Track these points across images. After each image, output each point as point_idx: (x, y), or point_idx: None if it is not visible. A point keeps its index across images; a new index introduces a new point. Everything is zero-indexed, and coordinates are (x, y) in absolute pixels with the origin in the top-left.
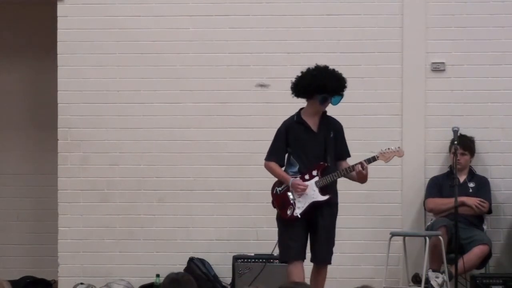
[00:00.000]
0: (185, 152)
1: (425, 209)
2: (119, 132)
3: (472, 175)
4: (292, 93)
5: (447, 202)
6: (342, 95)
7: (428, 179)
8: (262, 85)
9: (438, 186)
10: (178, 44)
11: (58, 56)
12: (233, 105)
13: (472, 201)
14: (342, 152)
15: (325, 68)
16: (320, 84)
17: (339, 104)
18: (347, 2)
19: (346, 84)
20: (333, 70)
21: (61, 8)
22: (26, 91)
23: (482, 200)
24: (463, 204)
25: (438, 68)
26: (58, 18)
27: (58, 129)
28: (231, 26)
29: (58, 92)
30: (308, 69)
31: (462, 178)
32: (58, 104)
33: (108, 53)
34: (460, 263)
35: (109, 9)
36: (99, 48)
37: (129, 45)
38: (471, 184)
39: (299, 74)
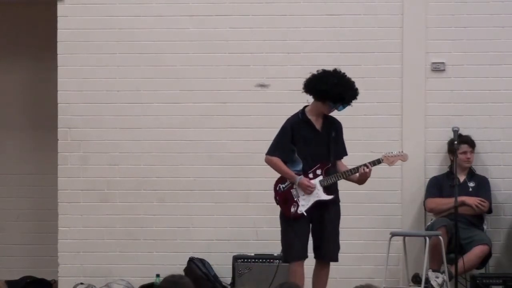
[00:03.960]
0: (185, 152)
1: (425, 209)
2: (119, 132)
3: (471, 174)
4: (303, 89)
5: (447, 202)
6: (351, 105)
7: (428, 179)
8: (262, 85)
9: (438, 186)
10: (178, 44)
11: (58, 56)
12: (233, 105)
13: (472, 200)
14: (340, 152)
15: (344, 77)
16: (339, 95)
17: None
18: (347, 2)
19: (358, 96)
20: (349, 79)
21: (61, 8)
22: (26, 91)
23: (482, 199)
24: (463, 203)
25: (438, 68)
26: (58, 18)
27: (58, 129)
28: (231, 26)
29: (58, 92)
30: (328, 73)
31: (462, 178)
32: (58, 104)
33: (108, 53)
34: (460, 263)
35: (109, 9)
36: (99, 48)
37: (129, 45)
38: (471, 184)
39: (316, 74)
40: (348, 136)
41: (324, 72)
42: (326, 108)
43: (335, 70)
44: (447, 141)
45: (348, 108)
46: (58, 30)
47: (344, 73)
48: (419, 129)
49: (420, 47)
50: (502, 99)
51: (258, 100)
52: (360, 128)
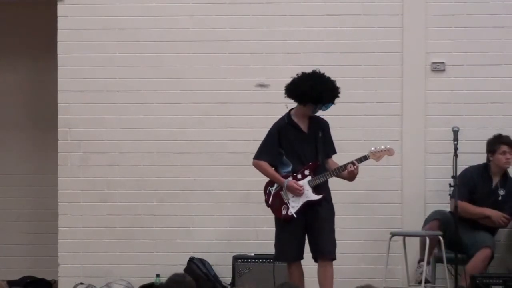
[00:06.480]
0: (185, 152)
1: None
2: (119, 132)
3: (505, 179)
4: (285, 95)
5: (474, 212)
6: (333, 103)
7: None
8: (262, 85)
9: (471, 186)
10: (178, 44)
11: (58, 56)
12: (233, 105)
13: (496, 217)
14: (329, 150)
15: (321, 77)
16: (317, 97)
17: (340, 103)
18: (347, 2)
19: (339, 94)
20: (328, 79)
21: (61, 8)
22: (26, 91)
23: (506, 216)
24: (487, 217)
25: (438, 68)
26: (58, 18)
27: (58, 129)
28: (231, 26)
29: (58, 92)
30: (304, 76)
31: (495, 180)
32: (58, 104)
33: (108, 53)
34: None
35: (109, 9)
36: (99, 48)
37: (129, 45)
38: (501, 192)
39: (295, 78)
40: (348, 136)
41: (301, 76)
42: (309, 109)
43: (313, 72)
44: (447, 141)
45: (348, 108)
46: (58, 30)
47: (322, 74)
48: (419, 129)
49: (420, 47)
50: (502, 99)
51: (258, 100)
52: (360, 128)
